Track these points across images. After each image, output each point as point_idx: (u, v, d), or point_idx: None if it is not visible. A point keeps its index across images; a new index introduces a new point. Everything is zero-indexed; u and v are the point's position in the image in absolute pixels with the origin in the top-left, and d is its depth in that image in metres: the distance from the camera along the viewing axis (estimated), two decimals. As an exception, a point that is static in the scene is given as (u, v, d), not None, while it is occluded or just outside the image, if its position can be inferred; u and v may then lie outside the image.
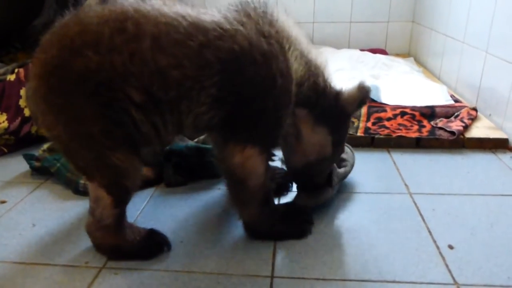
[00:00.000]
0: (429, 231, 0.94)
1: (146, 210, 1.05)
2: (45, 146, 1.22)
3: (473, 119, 1.46)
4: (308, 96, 0.88)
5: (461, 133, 1.35)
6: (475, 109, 1.52)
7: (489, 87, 1.51)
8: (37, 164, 1.20)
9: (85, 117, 0.76)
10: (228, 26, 0.79)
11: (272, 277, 0.82)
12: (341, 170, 1.09)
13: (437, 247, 0.89)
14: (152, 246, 0.89)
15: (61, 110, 0.77)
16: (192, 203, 1.08)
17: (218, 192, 1.13)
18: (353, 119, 1.46)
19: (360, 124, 1.43)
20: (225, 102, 0.81)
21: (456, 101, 1.63)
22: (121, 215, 0.87)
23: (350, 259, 0.86)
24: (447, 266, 0.83)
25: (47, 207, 1.06)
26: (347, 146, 1.17)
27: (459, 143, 1.34)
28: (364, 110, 1.53)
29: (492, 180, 1.15)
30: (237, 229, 0.96)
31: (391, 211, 1.02)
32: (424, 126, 1.42)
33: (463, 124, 1.38)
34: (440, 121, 1.44)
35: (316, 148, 0.94)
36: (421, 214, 1.01)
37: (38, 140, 1.38)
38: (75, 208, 1.06)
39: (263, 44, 0.79)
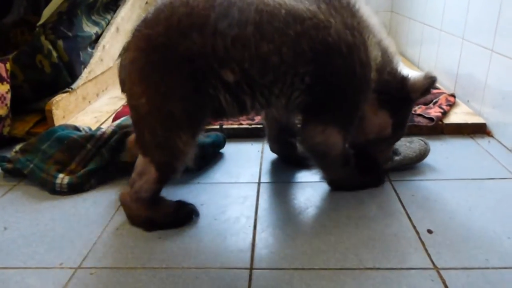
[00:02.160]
0: (409, 217, 0.94)
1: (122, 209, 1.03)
2: (18, 147, 1.18)
3: (452, 105, 1.46)
4: (384, 83, 0.94)
5: (440, 119, 1.36)
6: (453, 96, 1.52)
7: (466, 73, 1.51)
8: (9, 166, 1.16)
9: (173, 96, 0.82)
10: (322, 17, 0.84)
11: (251, 269, 0.80)
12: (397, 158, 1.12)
13: (417, 232, 0.89)
14: (182, 216, 0.95)
15: (153, 84, 0.81)
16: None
17: (197, 186, 1.11)
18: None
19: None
20: (316, 89, 0.87)
21: (435, 88, 1.64)
22: (158, 191, 0.92)
23: (330, 247, 0.85)
24: (426, 250, 0.83)
25: (19, 209, 1.03)
26: (422, 140, 1.17)
27: (438, 129, 1.35)
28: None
29: (471, 165, 1.16)
30: (216, 222, 0.95)
31: (372, 198, 1.02)
32: (403, 114, 1.42)
33: (442, 111, 1.39)
34: (419, 108, 1.44)
35: (375, 128, 1.01)
36: (400, 200, 1.00)
37: (10, 141, 1.34)
38: (49, 209, 1.03)
39: (348, 36, 0.85)
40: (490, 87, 1.35)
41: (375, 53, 0.91)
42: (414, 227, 0.91)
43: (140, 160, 0.90)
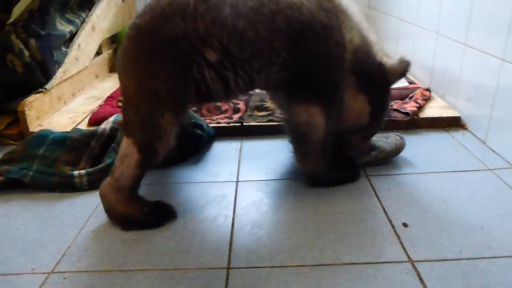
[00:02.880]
0: (385, 211, 0.95)
1: (99, 209, 1.01)
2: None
3: (427, 99, 1.48)
4: (360, 63, 0.98)
5: (415, 113, 1.37)
6: (428, 90, 1.55)
7: (441, 67, 1.54)
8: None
9: (158, 76, 0.88)
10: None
11: (228, 268, 0.80)
12: (373, 153, 1.13)
13: (392, 226, 0.90)
14: (160, 216, 0.96)
15: (140, 66, 0.89)
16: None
17: (174, 186, 1.10)
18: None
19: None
20: (292, 64, 0.93)
21: (411, 82, 1.66)
22: (139, 180, 0.94)
23: (307, 244, 0.85)
24: (401, 244, 0.84)
25: (-9, 213, 1.01)
26: (398, 135, 1.18)
27: (414, 123, 1.36)
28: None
29: (445, 157, 1.18)
30: (194, 222, 0.94)
31: (348, 193, 1.03)
32: (380, 109, 1.43)
33: (417, 105, 1.40)
34: (395, 103, 1.46)
35: (353, 115, 1.03)
36: (377, 195, 1.01)
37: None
38: (22, 213, 1.00)
39: (322, 17, 0.92)
40: (464, 81, 1.37)
41: (350, 36, 0.95)
42: (390, 221, 0.91)
43: (124, 143, 0.93)
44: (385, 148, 1.14)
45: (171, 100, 0.90)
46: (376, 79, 1.00)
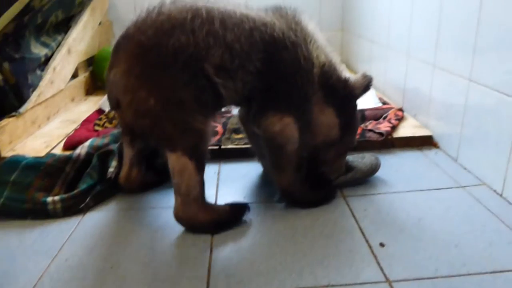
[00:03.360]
0: (362, 231, 0.96)
1: (74, 236, 0.99)
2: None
3: (400, 119, 1.52)
4: (327, 78, 1.05)
5: (389, 133, 1.41)
6: (401, 110, 1.59)
7: (412, 88, 1.59)
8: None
9: (178, 85, 0.91)
10: (268, 20, 1.00)
11: (206, 294, 0.79)
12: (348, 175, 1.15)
13: (369, 246, 0.91)
14: (238, 211, 1.02)
15: (157, 82, 0.90)
16: (124, 224, 1.03)
17: (151, 211, 1.09)
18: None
19: (295, 131, 1.45)
20: (265, 75, 0.98)
21: (384, 103, 1.70)
22: (204, 185, 0.98)
23: (286, 267, 0.85)
24: (378, 264, 0.85)
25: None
26: (373, 155, 1.21)
27: (388, 143, 1.39)
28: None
29: (419, 176, 1.20)
30: (172, 248, 0.93)
31: (326, 215, 1.04)
32: (355, 129, 1.46)
33: (391, 125, 1.44)
34: (370, 123, 1.49)
35: (323, 129, 1.08)
36: (354, 215, 1.03)
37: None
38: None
39: (291, 35, 1.00)
40: (434, 101, 1.42)
41: (316, 53, 1.03)
42: (367, 241, 0.92)
43: (173, 160, 0.95)
44: (361, 168, 1.16)
45: (197, 103, 0.93)
46: (342, 93, 1.07)
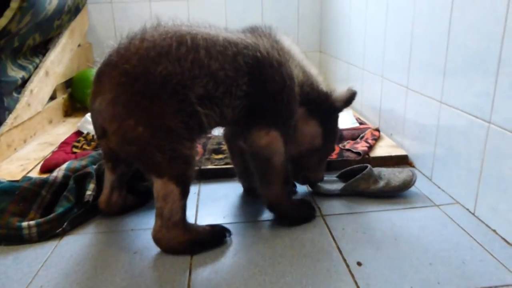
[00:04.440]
0: (340, 250, 0.97)
1: (50, 262, 0.97)
2: None
3: (377, 139, 1.56)
4: (306, 95, 1.09)
5: (366, 153, 1.44)
6: (378, 130, 1.63)
7: (388, 108, 1.63)
8: None
9: (167, 113, 0.90)
10: (250, 41, 1.02)
11: (184, 318, 0.78)
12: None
13: (347, 266, 0.92)
14: (218, 233, 1.03)
15: (145, 110, 0.89)
16: (102, 248, 1.02)
17: (130, 234, 1.08)
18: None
19: (274, 152, 1.47)
20: (252, 96, 1.00)
21: (361, 123, 1.74)
22: (186, 208, 0.98)
23: (265, 288, 0.86)
24: (356, 283, 0.86)
25: None
26: (411, 171, 1.25)
27: (365, 162, 1.42)
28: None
29: (395, 195, 1.23)
30: (150, 270, 0.92)
31: (305, 234, 1.05)
32: (333, 149, 1.49)
33: (368, 145, 1.47)
34: (348, 143, 1.52)
35: (307, 138, 1.14)
36: (332, 234, 1.04)
37: None
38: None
39: (275, 54, 1.03)
40: (409, 121, 1.46)
41: (296, 72, 1.07)
42: (345, 260, 0.94)
43: (158, 185, 0.95)
44: (392, 182, 1.21)
45: (185, 130, 0.93)
46: (325, 105, 1.13)
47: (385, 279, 0.87)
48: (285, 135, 1.05)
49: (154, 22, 0.97)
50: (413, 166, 1.43)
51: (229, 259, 0.96)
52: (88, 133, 1.65)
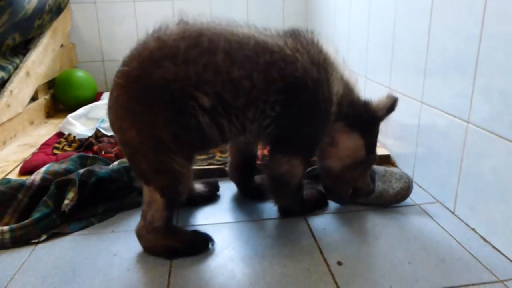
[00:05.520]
0: (320, 250, 0.97)
1: (26, 266, 0.95)
2: None
3: (360, 139, 1.57)
4: (346, 112, 1.02)
5: (349, 153, 1.44)
6: (361, 130, 1.63)
7: (371, 109, 1.64)
8: None
9: (158, 122, 0.86)
10: (289, 52, 0.92)
11: (163, 320, 0.77)
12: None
13: (327, 265, 0.92)
14: (199, 242, 0.98)
15: (138, 115, 0.86)
16: (81, 251, 1.00)
17: (111, 236, 1.07)
18: (250, 148, 1.50)
19: (258, 152, 1.46)
20: (285, 119, 0.94)
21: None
22: (170, 218, 0.96)
23: (245, 289, 0.85)
24: (336, 283, 0.86)
25: None
26: (407, 182, 1.17)
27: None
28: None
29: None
30: (129, 273, 0.91)
31: (287, 235, 1.05)
32: (316, 150, 1.49)
33: (350, 145, 1.48)
34: (331, 143, 1.52)
35: (350, 152, 1.07)
36: (313, 235, 1.04)
37: None
38: None
39: (314, 72, 0.93)
40: (391, 121, 1.47)
41: (336, 89, 0.99)
42: (325, 260, 0.94)
43: (145, 190, 0.94)
44: (386, 194, 1.15)
45: (177, 144, 0.88)
46: (365, 116, 1.06)
47: (365, 278, 0.87)
48: (307, 160, 1.04)
49: (176, 19, 0.91)
50: (396, 166, 1.44)
51: (209, 260, 0.95)
52: (69, 134, 1.63)
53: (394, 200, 1.15)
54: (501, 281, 0.86)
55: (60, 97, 2.13)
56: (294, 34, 0.97)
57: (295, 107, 0.94)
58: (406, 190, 1.15)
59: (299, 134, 0.98)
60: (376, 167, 1.22)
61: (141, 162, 0.90)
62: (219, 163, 1.39)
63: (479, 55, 0.99)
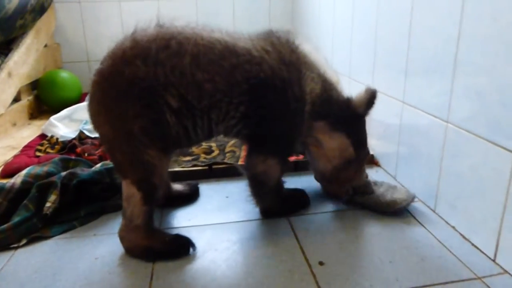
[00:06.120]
0: (302, 251, 0.98)
1: (5, 271, 0.94)
2: None
3: (344, 139, 1.57)
4: (323, 109, 1.02)
5: (333, 153, 1.45)
6: (345, 130, 1.64)
7: (355, 109, 1.65)
8: None
9: (128, 116, 0.89)
10: (256, 54, 0.93)
11: (143, 324, 0.77)
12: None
13: (309, 265, 0.92)
14: (180, 245, 0.98)
15: (110, 110, 0.90)
16: (62, 255, 0.99)
17: (93, 239, 1.06)
18: (234, 149, 1.50)
19: (242, 153, 1.47)
20: (251, 119, 0.95)
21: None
22: (150, 215, 0.97)
23: (226, 291, 0.85)
24: (317, 283, 0.87)
25: None
26: (404, 198, 1.13)
27: (332, 162, 1.43)
28: (245, 139, 1.57)
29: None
30: (111, 277, 0.91)
31: (269, 236, 1.05)
32: (301, 150, 1.50)
33: (335, 145, 1.49)
34: (315, 143, 1.53)
35: (336, 152, 1.07)
36: (295, 235, 1.04)
37: None
38: None
39: (283, 71, 0.94)
40: (374, 121, 1.48)
41: (311, 86, 0.98)
42: (307, 260, 0.94)
43: (123, 185, 0.95)
44: (375, 199, 1.14)
45: (147, 137, 0.90)
46: (347, 114, 1.05)
47: (346, 277, 0.88)
48: (284, 160, 1.06)
49: (154, 21, 0.94)
50: (379, 165, 1.45)
51: (192, 263, 0.95)
52: (52, 136, 1.61)
53: (386, 206, 1.12)
54: (479, 278, 0.87)
55: (44, 98, 2.10)
56: (266, 35, 0.99)
57: (262, 107, 0.95)
58: (403, 201, 1.12)
59: (272, 134, 0.99)
60: (387, 182, 1.22)
61: (117, 155, 0.94)
62: (203, 164, 1.38)
63: (457, 55, 1.00)
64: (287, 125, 0.99)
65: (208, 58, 0.90)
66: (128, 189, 0.95)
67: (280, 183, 1.10)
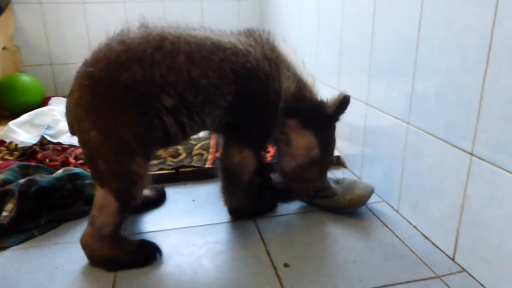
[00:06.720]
0: (268, 253, 0.98)
1: (-40, 283, 0.90)
2: None
3: (311, 141, 1.59)
4: (296, 107, 1.05)
5: (300, 155, 1.46)
6: (312, 132, 1.66)
7: (322, 111, 1.67)
8: None
9: (122, 122, 0.87)
10: (241, 47, 0.96)
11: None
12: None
13: (274, 268, 0.92)
14: (145, 254, 0.96)
15: (102, 116, 0.87)
16: (20, 266, 0.95)
17: (53, 248, 1.02)
18: (202, 152, 1.48)
19: (209, 156, 1.46)
20: (234, 109, 0.97)
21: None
22: (120, 224, 0.94)
23: (191, 296, 0.84)
24: (282, 285, 0.87)
25: None
26: (365, 191, 1.14)
27: (299, 164, 1.44)
28: (212, 141, 1.56)
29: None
30: (72, 286, 0.88)
31: (236, 239, 1.04)
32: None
33: (302, 147, 1.50)
34: (283, 145, 1.54)
35: (303, 150, 1.10)
36: (262, 238, 1.04)
37: None
38: None
39: (266, 65, 0.97)
40: (341, 123, 1.49)
41: (287, 84, 1.03)
42: (272, 262, 0.94)
43: (99, 194, 0.92)
44: (341, 198, 1.15)
45: (139, 144, 0.90)
46: (318, 114, 1.09)
47: (311, 279, 0.89)
48: (259, 152, 1.06)
49: (138, 23, 0.94)
50: (345, 166, 1.47)
51: (156, 268, 0.94)
52: (11, 142, 1.55)
53: (347, 206, 1.14)
54: (439, 277, 0.89)
55: (4, 103, 2.02)
56: (248, 32, 1.04)
57: (246, 97, 0.97)
58: (362, 198, 1.13)
59: (250, 125, 1.01)
60: (348, 178, 1.24)
61: (100, 163, 0.90)
62: (170, 168, 1.37)
63: (417, 58, 1.03)
64: (266, 117, 1.02)
65: (200, 54, 0.92)
66: (105, 198, 0.91)
67: (252, 183, 1.09)
